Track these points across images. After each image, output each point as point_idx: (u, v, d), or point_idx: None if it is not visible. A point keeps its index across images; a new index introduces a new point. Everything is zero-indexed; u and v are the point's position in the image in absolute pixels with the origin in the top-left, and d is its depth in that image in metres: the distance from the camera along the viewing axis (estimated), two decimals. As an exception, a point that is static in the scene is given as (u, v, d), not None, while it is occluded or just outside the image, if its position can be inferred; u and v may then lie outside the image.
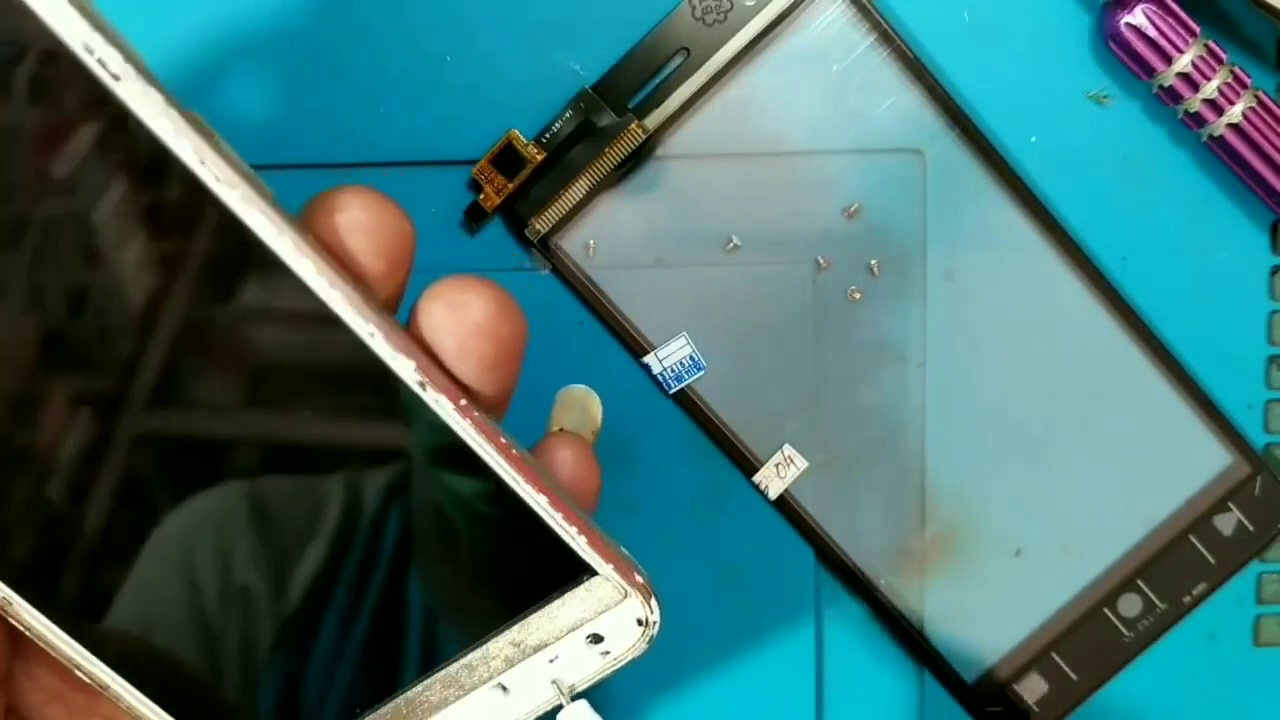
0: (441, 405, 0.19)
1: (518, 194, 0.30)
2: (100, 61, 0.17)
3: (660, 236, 0.31)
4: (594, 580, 0.20)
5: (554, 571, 0.20)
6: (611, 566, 0.20)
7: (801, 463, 0.31)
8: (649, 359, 0.31)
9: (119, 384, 0.19)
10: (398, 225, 0.19)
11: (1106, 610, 0.32)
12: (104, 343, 0.19)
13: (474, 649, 0.21)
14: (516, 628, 0.21)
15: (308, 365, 0.19)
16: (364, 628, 0.21)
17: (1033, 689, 0.32)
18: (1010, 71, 0.31)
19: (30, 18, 0.16)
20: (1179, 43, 0.29)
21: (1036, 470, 0.32)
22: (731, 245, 0.31)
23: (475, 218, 0.30)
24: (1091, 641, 0.32)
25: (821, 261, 0.31)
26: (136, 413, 0.19)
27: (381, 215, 0.19)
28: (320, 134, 0.30)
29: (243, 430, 0.20)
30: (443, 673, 0.21)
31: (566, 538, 0.20)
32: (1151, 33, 0.29)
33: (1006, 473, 0.32)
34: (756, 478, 0.31)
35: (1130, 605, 0.32)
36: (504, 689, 0.21)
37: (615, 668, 0.21)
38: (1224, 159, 0.31)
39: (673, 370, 0.31)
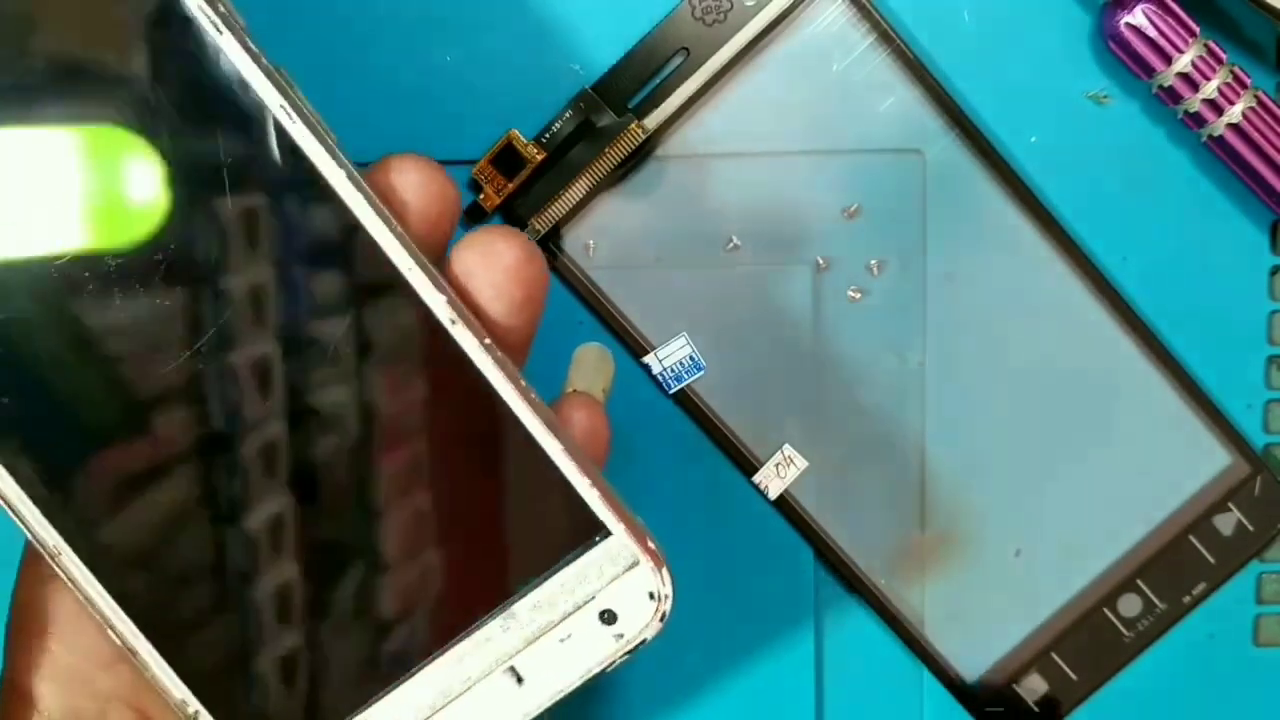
0: (466, 340, 0.20)
1: (518, 194, 0.30)
2: (209, 19, 0.19)
3: (660, 236, 0.31)
4: (607, 542, 0.20)
5: (566, 530, 0.20)
6: (624, 527, 0.20)
7: (801, 463, 0.31)
8: (649, 359, 0.31)
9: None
10: (444, 185, 0.22)
11: (1106, 610, 0.32)
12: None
13: (485, 622, 0.21)
14: (529, 596, 0.20)
15: (347, 296, 0.21)
16: (386, 592, 0.22)
17: (1033, 689, 0.32)
18: (1010, 71, 0.31)
19: None
20: (1179, 43, 0.29)
21: (1036, 470, 0.32)
22: (731, 245, 0.31)
23: (475, 218, 0.30)
24: (1091, 641, 0.32)
25: (821, 261, 0.31)
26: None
27: (431, 175, 0.22)
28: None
29: (282, 368, 0.21)
30: (451, 651, 0.21)
31: (580, 489, 0.20)
32: (1151, 33, 0.29)
33: (1006, 473, 0.32)
34: (756, 478, 0.31)
35: (1130, 605, 0.32)
36: (516, 676, 0.21)
37: (628, 650, 0.20)
38: (1224, 159, 0.31)
39: (673, 370, 0.31)
